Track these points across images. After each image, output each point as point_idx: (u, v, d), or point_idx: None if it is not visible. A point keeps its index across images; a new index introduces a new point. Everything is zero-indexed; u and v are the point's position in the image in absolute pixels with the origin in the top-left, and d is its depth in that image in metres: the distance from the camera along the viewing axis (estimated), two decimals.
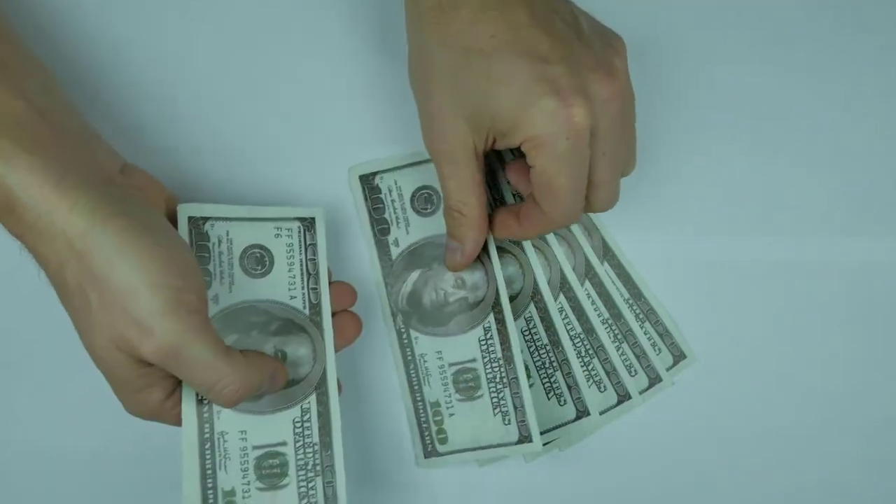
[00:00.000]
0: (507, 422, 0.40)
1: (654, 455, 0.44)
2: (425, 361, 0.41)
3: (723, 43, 0.45)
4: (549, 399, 0.43)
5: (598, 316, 0.44)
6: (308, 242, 0.39)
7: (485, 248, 0.41)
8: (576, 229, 0.44)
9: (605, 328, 0.44)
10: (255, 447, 0.36)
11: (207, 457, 0.36)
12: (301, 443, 0.37)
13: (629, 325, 0.44)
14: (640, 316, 0.44)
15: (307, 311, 0.38)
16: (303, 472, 0.36)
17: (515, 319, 0.42)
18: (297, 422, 0.37)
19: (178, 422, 0.35)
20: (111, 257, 0.30)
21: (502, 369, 0.40)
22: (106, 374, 0.33)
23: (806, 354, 0.44)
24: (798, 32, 0.45)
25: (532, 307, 0.43)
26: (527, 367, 0.42)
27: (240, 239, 0.38)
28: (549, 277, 0.44)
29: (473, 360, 0.41)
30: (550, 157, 0.34)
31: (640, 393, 0.43)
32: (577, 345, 0.43)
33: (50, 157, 0.31)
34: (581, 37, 0.35)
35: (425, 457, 0.41)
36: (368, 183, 0.42)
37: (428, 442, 0.41)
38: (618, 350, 0.44)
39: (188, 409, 0.35)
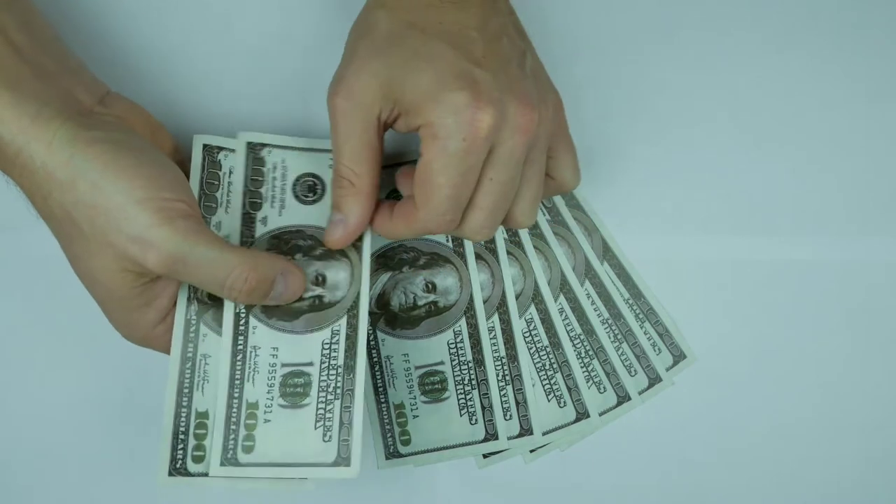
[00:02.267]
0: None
1: (654, 455, 0.44)
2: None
3: (722, 42, 0.45)
4: (549, 401, 0.43)
5: (598, 316, 0.44)
6: None
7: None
8: (576, 229, 0.44)
9: (605, 328, 0.44)
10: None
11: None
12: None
13: (629, 325, 0.44)
14: (640, 316, 0.44)
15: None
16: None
17: (517, 318, 0.43)
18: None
19: (166, 348, 0.36)
20: (96, 181, 0.31)
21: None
22: (103, 298, 0.34)
23: (806, 354, 0.44)
24: (798, 32, 0.45)
25: (533, 308, 0.43)
26: (499, 370, 0.43)
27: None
28: (550, 278, 0.44)
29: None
30: (440, 152, 0.33)
31: (640, 393, 0.44)
32: (577, 346, 0.43)
33: (26, 91, 0.31)
34: (521, 67, 0.35)
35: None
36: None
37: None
38: (617, 350, 0.44)
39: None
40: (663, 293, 0.44)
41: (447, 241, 0.42)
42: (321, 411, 0.36)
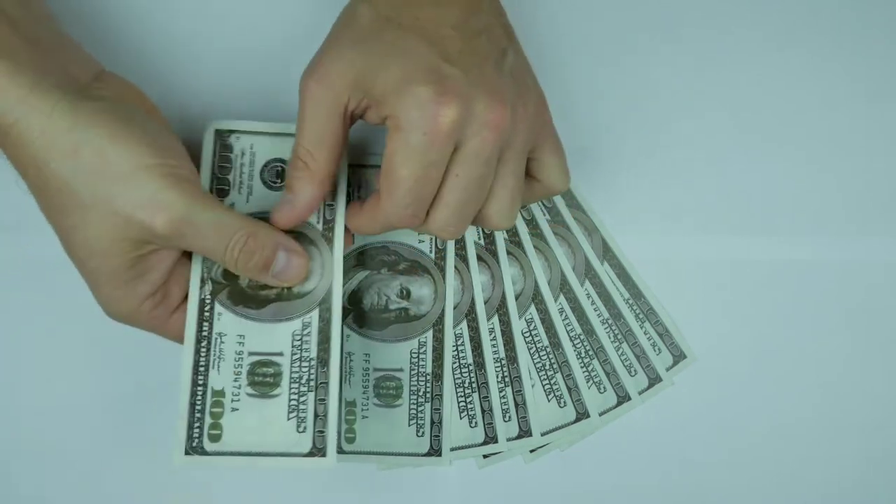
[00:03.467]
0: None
1: (654, 455, 0.44)
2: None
3: (722, 41, 0.45)
4: (549, 401, 0.43)
5: (598, 316, 0.44)
6: None
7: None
8: (576, 229, 0.44)
9: (605, 328, 0.44)
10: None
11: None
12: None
13: (629, 325, 0.44)
14: (640, 316, 0.44)
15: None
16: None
17: (515, 320, 0.43)
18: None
19: (153, 327, 0.36)
20: (102, 148, 0.31)
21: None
22: (95, 269, 0.33)
23: (806, 354, 0.44)
24: (798, 31, 0.45)
25: (533, 308, 0.43)
26: (493, 372, 0.43)
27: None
28: (550, 278, 0.44)
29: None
30: (401, 144, 0.33)
31: (640, 393, 0.44)
32: (577, 346, 0.43)
33: (24, 61, 0.32)
34: (498, 66, 0.35)
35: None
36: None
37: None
38: (617, 350, 0.44)
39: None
40: (663, 293, 0.44)
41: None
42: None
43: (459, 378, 0.42)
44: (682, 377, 0.44)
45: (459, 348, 0.42)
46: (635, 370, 0.44)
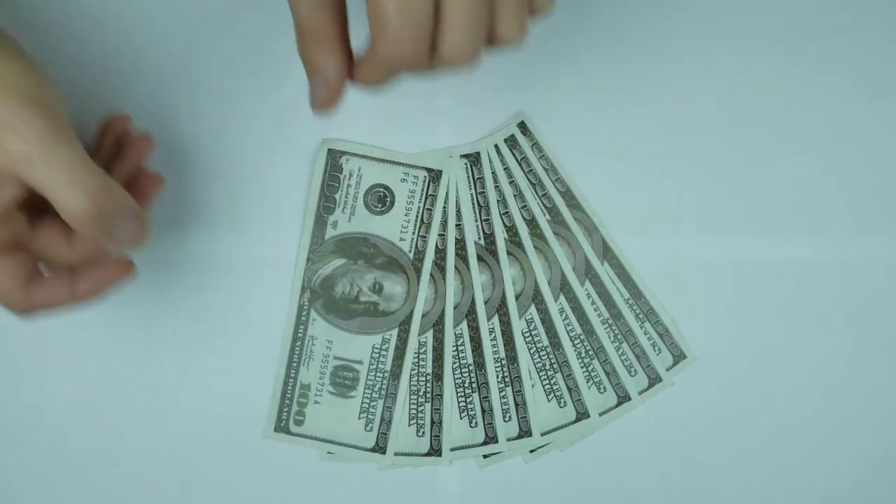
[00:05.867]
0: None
1: (654, 455, 0.44)
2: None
3: (723, 42, 0.45)
4: (549, 401, 0.43)
5: (598, 316, 0.44)
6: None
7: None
8: (576, 229, 0.44)
9: (605, 328, 0.44)
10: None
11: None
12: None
13: (629, 325, 0.44)
14: (640, 316, 0.44)
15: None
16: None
17: (515, 319, 0.43)
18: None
19: None
20: None
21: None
22: None
23: (806, 354, 0.44)
24: (798, 31, 0.45)
25: (533, 308, 0.43)
26: (493, 372, 0.42)
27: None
28: (550, 278, 0.44)
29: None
30: None
31: (640, 393, 0.44)
32: (577, 346, 0.43)
33: None
34: None
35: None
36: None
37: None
38: (618, 350, 0.44)
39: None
40: (663, 293, 0.44)
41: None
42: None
43: (459, 378, 0.42)
44: (682, 377, 0.44)
45: (459, 348, 0.42)
46: (635, 370, 0.44)
